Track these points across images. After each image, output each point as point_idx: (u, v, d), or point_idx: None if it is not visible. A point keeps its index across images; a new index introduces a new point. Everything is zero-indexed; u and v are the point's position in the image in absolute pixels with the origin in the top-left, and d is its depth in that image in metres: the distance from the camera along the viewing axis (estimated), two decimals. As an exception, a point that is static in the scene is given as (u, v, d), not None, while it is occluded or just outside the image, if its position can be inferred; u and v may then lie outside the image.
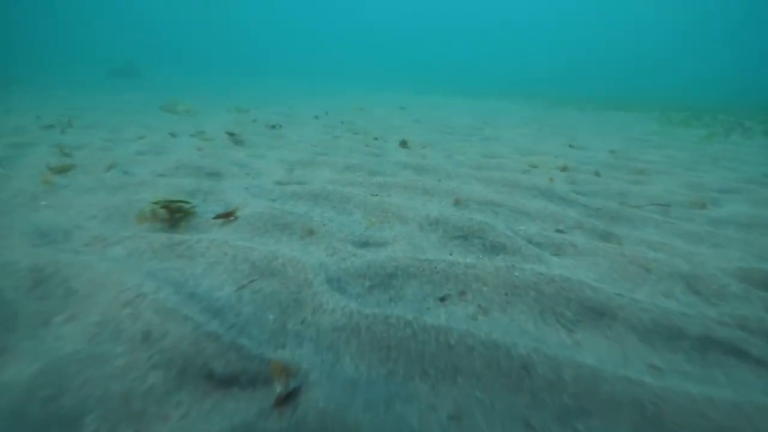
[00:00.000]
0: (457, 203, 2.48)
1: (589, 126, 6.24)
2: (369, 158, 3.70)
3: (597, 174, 3.29)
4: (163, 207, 1.91)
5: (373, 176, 3.09)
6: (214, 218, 1.98)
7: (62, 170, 2.73)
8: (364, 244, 1.86)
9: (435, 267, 1.56)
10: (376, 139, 4.63)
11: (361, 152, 3.99)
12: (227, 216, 1.98)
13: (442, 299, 1.43)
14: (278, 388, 0.97)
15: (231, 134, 4.01)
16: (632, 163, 3.67)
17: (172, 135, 4.33)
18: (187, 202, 2.04)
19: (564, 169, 3.36)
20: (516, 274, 1.49)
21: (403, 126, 5.68)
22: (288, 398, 0.95)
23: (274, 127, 4.86)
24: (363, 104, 8.93)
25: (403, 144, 4.36)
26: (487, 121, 6.56)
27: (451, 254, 1.79)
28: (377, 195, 2.63)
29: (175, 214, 1.93)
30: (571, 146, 4.42)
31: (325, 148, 4.08)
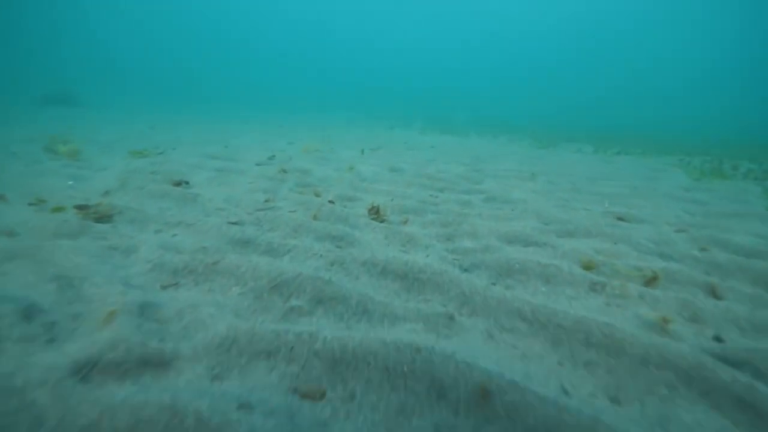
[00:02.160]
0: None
1: (609, 178, 5.02)
2: (321, 249, 2.19)
3: (715, 294, 1.90)
4: None
5: (321, 318, 1.57)
6: None
7: None
8: None
9: None
10: (332, 202, 3.14)
11: (311, 234, 2.49)
12: None
13: None
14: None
15: (83, 207, 2.40)
16: (736, 258, 2.33)
17: None
18: None
19: (654, 280, 1.95)
20: None
21: (375, 177, 4.25)
22: None
23: (179, 184, 3.28)
24: (325, 142, 7.53)
25: (376, 212, 2.89)
26: (481, 167, 5.25)
27: None
28: (324, 406, 1.11)
29: None
30: (620, 219, 3.08)
31: (251, 226, 2.54)
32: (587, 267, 2.06)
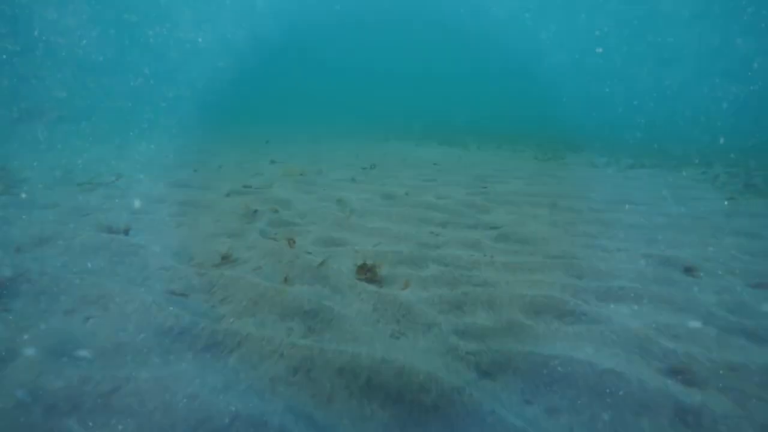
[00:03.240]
0: None
1: (634, 201, 4.37)
2: (284, 340, 1.58)
3: None
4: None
5: None
6: None
7: None
8: None
9: None
10: (309, 253, 2.52)
11: (275, 309, 1.88)
12: None
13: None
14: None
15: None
16: None
17: None
18: None
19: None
20: None
21: (365, 209, 3.63)
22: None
23: (119, 232, 2.65)
24: (313, 161, 6.93)
25: (368, 272, 2.27)
26: (487, 189, 4.63)
27: None
28: None
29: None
30: (688, 270, 2.44)
31: (199, 296, 1.92)
32: (674, 372, 1.43)
